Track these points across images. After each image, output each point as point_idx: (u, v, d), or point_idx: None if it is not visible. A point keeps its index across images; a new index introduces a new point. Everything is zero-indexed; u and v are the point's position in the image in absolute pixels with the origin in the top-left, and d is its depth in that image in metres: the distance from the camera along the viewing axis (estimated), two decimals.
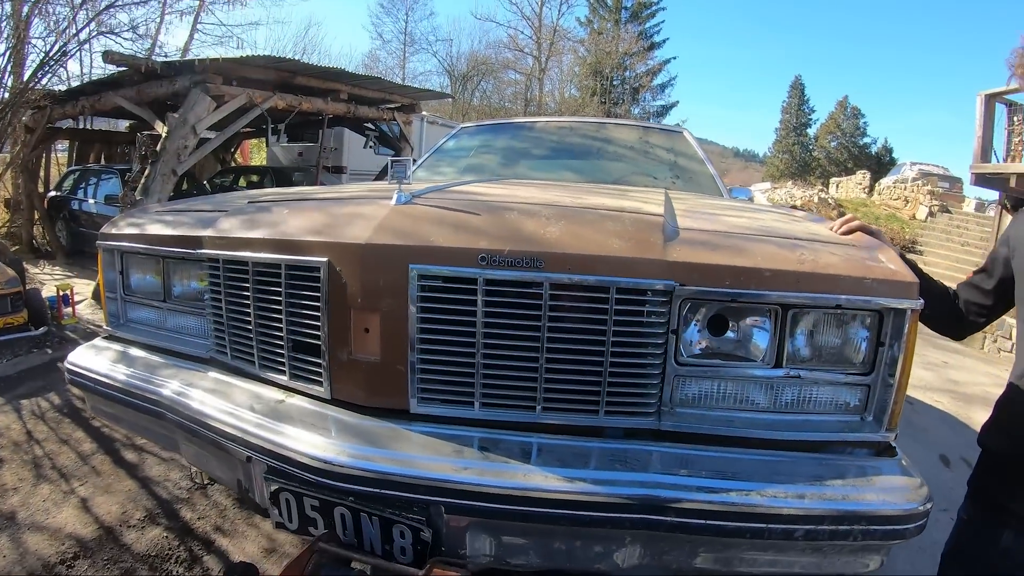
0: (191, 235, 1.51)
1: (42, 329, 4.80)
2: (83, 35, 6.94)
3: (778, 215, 1.67)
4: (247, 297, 1.38)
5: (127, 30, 7.18)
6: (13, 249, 6.69)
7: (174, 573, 2.17)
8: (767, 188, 18.06)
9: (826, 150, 38.34)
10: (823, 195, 15.38)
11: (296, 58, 9.27)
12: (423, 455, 1.15)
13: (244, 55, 6.48)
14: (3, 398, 3.85)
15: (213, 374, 1.48)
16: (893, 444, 1.23)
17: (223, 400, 1.36)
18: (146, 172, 6.13)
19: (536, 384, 1.18)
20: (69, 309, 5.40)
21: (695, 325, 1.23)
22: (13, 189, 9.49)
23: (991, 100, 8.18)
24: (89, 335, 5.08)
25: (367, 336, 1.21)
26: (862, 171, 19.29)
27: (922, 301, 1.16)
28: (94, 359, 1.71)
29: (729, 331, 1.23)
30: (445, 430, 1.21)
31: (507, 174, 3.00)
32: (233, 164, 13.36)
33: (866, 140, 37.05)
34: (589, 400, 1.19)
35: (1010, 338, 7.23)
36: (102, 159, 10.92)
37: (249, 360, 1.42)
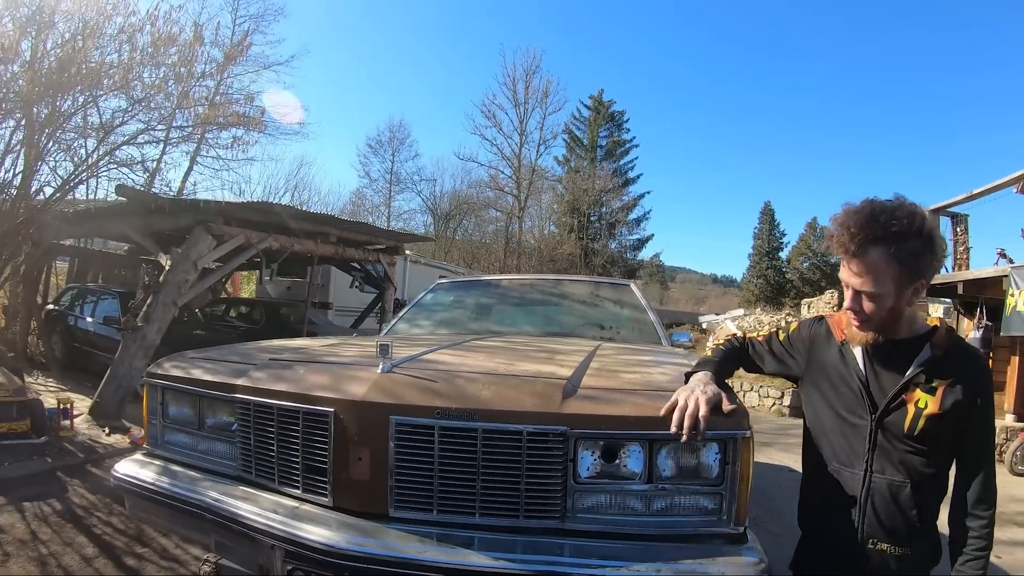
0: (228, 382, 2.04)
1: (43, 438, 5.01)
2: (94, 165, 7.52)
3: (671, 367, 2.17)
4: (272, 431, 1.88)
5: (136, 163, 7.87)
6: (9, 356, 6.96)
7: None
8: (738, 315, 18.67)
9: (799, 271, 39.42)
10: (791, 319, 16.08)
11: (288, 194, 9.90)
12: (397, 542, 1.62)
13: (244, 200, 7.18)
14: (5, 499, 4.06)
15: (241, 487, 1.95)
16: (744, 533, 1.63)
17: (253, 505, 1.83)
18: (148, 301, 6.47)
19: (475, 497, 1.67)
20: (67, 422, 5.57)
21: (590, 454, 1.67)
22: (12, 297, 9.77)
23: (935, 214, 9.12)
24: (87, 449, 5.34)
25: (360, 463, 1.72)
26: (831, 290, 19.94)
27: (750, 431, 1.64)
28: (139, 470, 2.17)
29: (617, 459, 1.67)
30: (413, 528, 1.67)
31: (475, 328, 3.53)
32: (224, 295, 13.79)
33: (837, 258, 38.97)
34: (512, 508, 1.66)
35: None
36: (99, 279, 11.33)
37: (270, 478, 1.91)
